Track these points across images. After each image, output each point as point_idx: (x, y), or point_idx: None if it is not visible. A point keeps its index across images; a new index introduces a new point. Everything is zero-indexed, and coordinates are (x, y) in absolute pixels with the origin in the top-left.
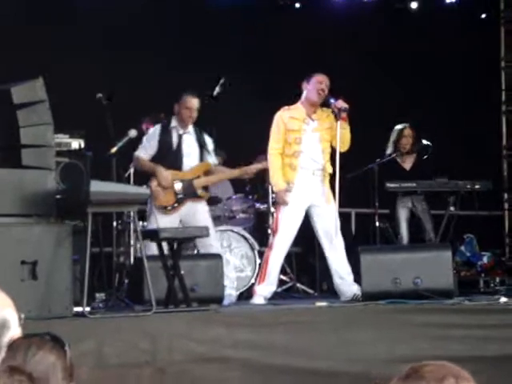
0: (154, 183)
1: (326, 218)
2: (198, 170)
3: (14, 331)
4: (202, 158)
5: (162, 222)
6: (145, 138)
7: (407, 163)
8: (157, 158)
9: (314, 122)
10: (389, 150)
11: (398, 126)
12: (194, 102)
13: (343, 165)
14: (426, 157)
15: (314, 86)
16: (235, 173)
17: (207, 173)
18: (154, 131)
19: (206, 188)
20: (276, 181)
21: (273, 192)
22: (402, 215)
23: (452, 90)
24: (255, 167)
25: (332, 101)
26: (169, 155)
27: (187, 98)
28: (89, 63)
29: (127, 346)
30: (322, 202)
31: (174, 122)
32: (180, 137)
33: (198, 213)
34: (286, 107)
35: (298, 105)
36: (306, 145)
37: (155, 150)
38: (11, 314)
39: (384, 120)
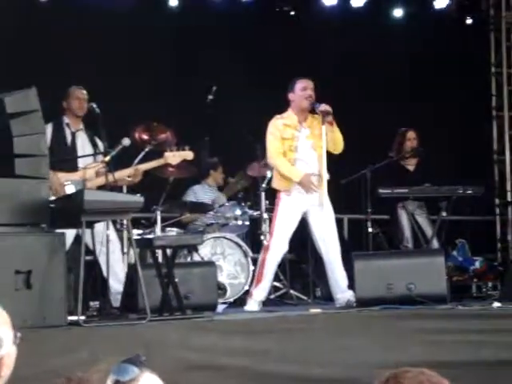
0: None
1: (322, 223)
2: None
3: (7, 349)
4: (94, 158)
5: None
6: None
7: (411, 166)
8: (50, 158)
9: (306, 129)
10: (392, 153)
11: (402, 129)
12: (82, 92)
13: (337, 170)
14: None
15: (300, 92)
16: (125, 173)
17: (98, 174)
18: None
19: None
20: (293, 173)
21: (266, 199)
22: (404, 219)
23: (442, 95)
24: (146, 166)
25: (316, 105)
26: (63, 154)
27: (75, 89)
28: (81, 73)
29: (122, 354)
30: (319, 207)
31: (66, 119)
32: (73, 134)
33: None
34: (278, 116)
35: (290, 112)
36: (301, 152)
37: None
38: (5, 332)
39: (379, 125)
